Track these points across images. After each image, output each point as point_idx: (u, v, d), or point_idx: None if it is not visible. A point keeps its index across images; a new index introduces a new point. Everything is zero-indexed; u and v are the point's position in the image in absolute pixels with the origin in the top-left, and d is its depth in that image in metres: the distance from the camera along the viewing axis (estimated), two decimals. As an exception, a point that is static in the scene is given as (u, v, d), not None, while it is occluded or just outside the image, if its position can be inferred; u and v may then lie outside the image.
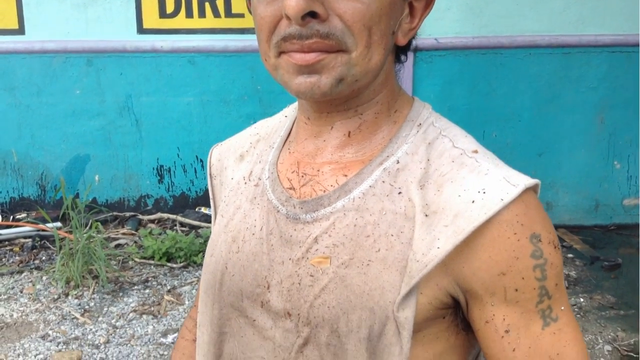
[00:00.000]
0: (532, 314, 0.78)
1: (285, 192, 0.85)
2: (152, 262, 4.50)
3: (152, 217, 5.13)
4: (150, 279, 4.30)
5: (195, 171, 5.14)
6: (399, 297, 0.76)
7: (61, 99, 4.92)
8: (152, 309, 3.89)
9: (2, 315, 3.78)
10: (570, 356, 0.79)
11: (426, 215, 0.76)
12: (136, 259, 4.53)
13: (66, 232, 4.46)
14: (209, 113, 5.00)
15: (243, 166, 0.94)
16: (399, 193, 0.79)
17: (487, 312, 0.78)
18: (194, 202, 5.22)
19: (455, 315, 0.82)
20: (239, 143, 0.99)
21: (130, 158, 5.14)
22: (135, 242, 4.79)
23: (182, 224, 5.05)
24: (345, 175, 0.82)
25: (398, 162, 0.81)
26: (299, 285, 0.80)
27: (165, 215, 5.11)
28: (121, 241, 4.81)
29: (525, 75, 4.77)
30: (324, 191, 0.82)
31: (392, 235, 0.77)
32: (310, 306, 0.79)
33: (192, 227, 4.99)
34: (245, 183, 0.91)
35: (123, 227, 5.05)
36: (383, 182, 0.80)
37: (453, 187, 0.77)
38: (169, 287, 4.16)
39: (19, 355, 3.38)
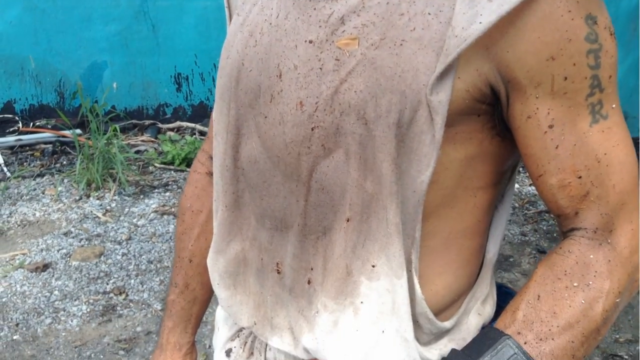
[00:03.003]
0: (581, 108, 0.72)
1: None
2: (172, 167, 4.49)
3: (171, 125, 5.09)
4: (170, 182, 4.30)
5: (213, 79, 5.05)
6: (433, 77, 0.69)
7: (76, 2, 4.81)
8: (173, 209, 3.90)
9: (25, 214, 3.82)
10: (619, 158, 0.73)
11: None
12: (156, 164, 4.53)
13: (86, 138, 4.44)
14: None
15: None
16: None
17: (530, 106, 0.72)
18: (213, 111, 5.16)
19: (492, 116, 0.76)
20: None
21: (147, 65, 5.06)
22: (155, 149, 4.77)
23: (201, 132, 5.02)
24: None
25: None
26: (320, 70, 0.74)
27: (184, 124, 5.07)
28: (141, 148, 4.80)
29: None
30: None
31: (429, 14, 0.70)
32: (334, 92, 0.73)
33: (212, 134, 4.95)
34: None
35: (142, 134, 5.03)
36: None
37: None
38: (189, 191, 4.17)
39: (41, 250, 3.42)
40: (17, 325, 2.81)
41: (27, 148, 4.73)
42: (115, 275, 3.21)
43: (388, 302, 0.77)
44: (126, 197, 4.05)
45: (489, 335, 0.73)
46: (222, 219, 0.88)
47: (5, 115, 5.01)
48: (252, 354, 0.91)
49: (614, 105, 0.73)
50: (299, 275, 0.80)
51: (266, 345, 0.89)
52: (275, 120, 0.78)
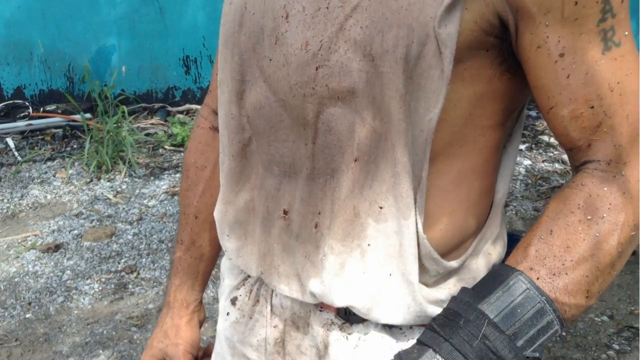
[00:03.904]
0: (592, 35, 0.69)
1: None
2: (181, 149, 4.49)
3: (180, 108, 5.08)
4: (180, 164, 4.29)
5: (223, 61, 5.03)
6: (441, 9, 0.67)
7: (84, -15, 4.80)
8: (183, 190, 3.90)
9: (37, 197, 3.83)
10: (632, 87, 0.70)
11: None
12: (166, 147, 4.53)
13: (95, 122, 4.44)
14: (235, -2, 4.84)
15: None
16: None
17: (539, 35, 0.69)
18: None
19: (500, 50, 0.74)
20: None
21: (155, 48, 5.05)
22: (165, 131, 4.77)
23: (210, 115, 5.00)
24: None
25: None
26: (327, 9, 0.72)
27: (194, 107, 5.06)
28: (150, 131, 4.79)
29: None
30: None
31: None
32: (339, 29, 0.71)
33: (221, 116, 4.94)
34: None
35: (152, 118, 5.03)
36: None
37: None
38: (199, 172, 4.16)
39: (53, 231, 3.44)
40: (29, 304, 2.83)
41: (38, 133, 4.74)
42: (127, 255, 3.21)
43: (395, 244, 0.75)
44: (137, 179, 4.05)
45: (499, 272, 0.71)
46: (230, 169, 0.86)
47: (16, 101, 5.02)
48: (257, 301, 0.89)
49: (626, 33, 0.70)
50: (306, 220, 0.79)
51: (272, 292, 0.87)
52: (279, 63, 0.76)
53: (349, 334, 0.80)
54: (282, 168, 0.80)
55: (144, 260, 3.17)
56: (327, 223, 0.77)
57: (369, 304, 0.77)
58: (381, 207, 0.74)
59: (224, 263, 0.98)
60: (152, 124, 4.91)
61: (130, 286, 2.96)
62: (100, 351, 2.52)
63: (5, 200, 3.79)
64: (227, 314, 0.93)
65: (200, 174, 1.03)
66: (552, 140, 4.63)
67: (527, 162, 4.30)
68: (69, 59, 5.01)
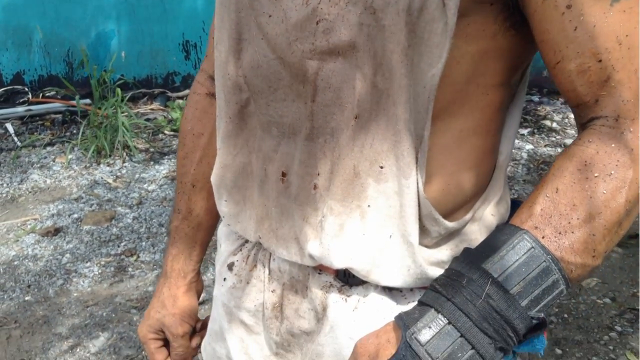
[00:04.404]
0: None
1: None
2: (181, 134, 4.46)
3: (180, 93, 5.06)
4: (180, 149, 4.27)
5: (223, 46, 4.99)
6: None
7: (82, -30, 4.77)
8: (183, 175, 3.88)
9: (36, 181, 3.82)
10: None
11: None
12: (166, 132, 4.51)
13: (96, 107, 4.42)
14: (235, -18, 4.80)
15: None
16: None
17: None
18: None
19: (505, 4, 0.71)
20: None
21: (155, 33, 5.01)
22: (165, 116, 4.75)
23: (210, 100, 4.98)
24: None
25: None
26: None
27: (194, 92, 5.03)
28: (150, 116, 4.77)
29: None
30: None
31: None
32: None
33: (221, 102, 4.92)
34: None
35: (152, 103, 5.00)
36: None
37: None
38: (199, 157, 4.14)
39: (52, 215, 3.42)
40: (28, 286, 2.82)
41: (37, 118, 4.72)
42: (127, 238, 3.20)
43: (395, 205, 0.73)
44: (136, 164, 4.03)
45: (503, 231, 0.69)
46: (227, 131, 0.84)
47: (15, 87, 4.99)
48: (255, 266, 0.87)
49: None
50: (304, 182, 0.77)
51: (270, 256, 0.85)
52: (278, 19, 0.73)
53: (348, 296, 0.78)
54: (281, 129, 0.78)
55: (143, 243, 3.15)
56: (326, 184, 0.75)
57: (369, 266, 0.75)
58: (382, 167, 0.72)
59: (221, 229, 0.96)
60: (151, 109, 4.89)
61: (130, 269, 2.94)
62: (100, 333, 2.51)
63: (5, 185, 3.77)
64: (224, 279, 0.91)
65: (197, 141, 1.01)
66: (555, 125, 4.61)
67: (529, 146, 4.27)
68: (68, 44, 4.97)
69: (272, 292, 0.85)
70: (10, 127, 4.50)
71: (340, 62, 0.71)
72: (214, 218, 1.02)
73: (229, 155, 0.85)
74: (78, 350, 2.42)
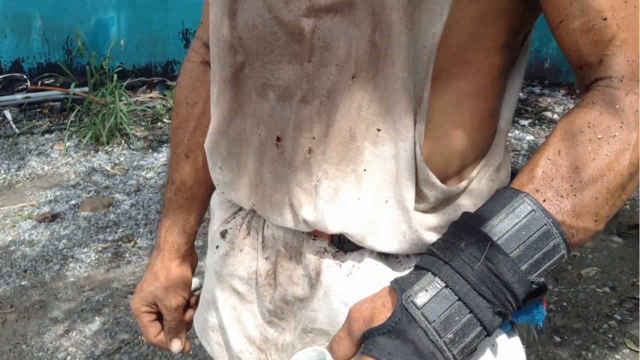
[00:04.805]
0: None
1: None
2: (180, 122, 4.44)
3: (179, 82, 5.03)
4: (179, 137, 4.25)
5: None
6: None
7: (81, -44, 4.73)
8: (182, 163, 3.86)
9: (34, 168, 3.80)
10: None
11: None
12: (165, 120, 4.48)
13: (95, 96, 4.39)
14: (235, -30, 4.77)
15: None
16: None
17: None
18: None
19: None
20: None
21: (154, 21, 4.98)
22: (163, 105, 4.72)
23: (210, 89, 4.95)
24: None
25: None
26: None
27: (193, 81, 5.01)
28: (149, 104, 4.75)
29: None
30: None
31: None
32: None
33: (221, 91, 4.89)
34: None
35: (151, 91, 4.98)
36: None
37: None
38: (198, 145, 4.12)
39: (50, 201, 3.40)
40: (25, 271, 2.80)
41: (36, 106, 4.69)
42: (124, 225, 3.18)
43: (392, 169, 0.71)
44: (135, 152, 4.01)
45: (504, 194, 0.67)
46: (222, 95, 0.82)
47: (14, 74, 4.96)
48: (248, 234, 0.86)
49: None
50: (299, 146, 0.75)
51: (264, 223, 0.83)
52: None
53: (343, 262, 0.76)
54: (276, 92, 0.76)
55: (141, 230, 3.14)
56: (321, 148, 0.73)
57: (364, 231, 0.73)
58: (379, 130, 0.70)
59: (214, 198, 0.95)
60: (150, 97, 4.86)
61: (127, 255, 2.93)
62: (96, 318, 2.50)
63: (2, 171, 3.75)
64: (217, 247, 0.89)
65: (191, 110, 0.99)
66: (555, 116, 4.59)
67: (529, 137, 4.25)
68: (67, 31, 4.94)
69: (265, 259, 0.83)
70: (8, 114, 4.48)
71: (337, 19, 0.69)
72: (209, 190, 1.00)
73: (224, 121, 0.83)
74: (74, 334, 2.41)
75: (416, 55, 0.68)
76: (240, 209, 0.88)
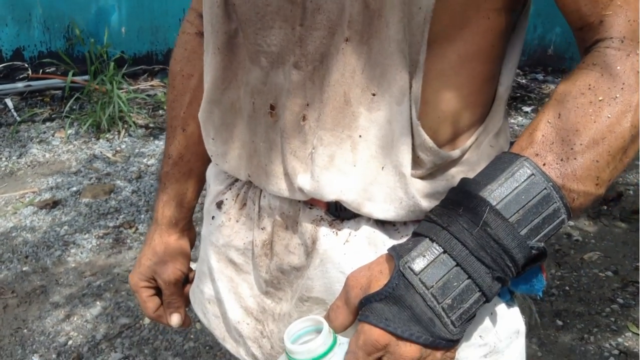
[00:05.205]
0: None
1: None
2: (182, 110, 4.43)
3: (181, 70, 5.01)
4: (180, 124, 4.24)
5: (224, 23, 4.94)
6: None
7: (82, -56, 4.71)
8: (183, 150, 3.85)
9: (35, 155, 3.79)
10: None
11: None
12: (166, 108, 4.47)
13: (90, 82, 4.38)
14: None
15: None
16: None
17: None
18: None
19: None
20: None
21: (155, 9, 4.96)
22: (165, 93, 4.71)
23: (211, 77, 4.93)
24: None
25: None
26: None
27: (195, 68, 4.99)
28: (150, 92, 4.73)
29: None
30: None
31: None
32: None
33: (222, 79, 4.87)
34: None
35: (152, 79, 4.96)
36: None
37: None
38: (199, 132, 4.11)
39: (51, 188, 3.40)
40: (26, 257, 2.80)
41: (37, 94, 4.68)
42: (126, 211, 3.17)
43: (388, 134, 0.70)
44: (136, 139, 4.00)
45: (503, 159, 0.66)
46: (215, 63, 0.80)
47: (15, 63, 4.95)
48: (244, 205, 0.85)
49: None
50: (293, 114, 0.73)
51: (260, 194, 0.82)
52: None
53: (339, 230, 0.75)
54: (269, 58, 0.74)
55: (142, 216, 3.13)
56: (315, 115, 0.72)
57: (360, 199, 0.72)
58: (374, 94, 0.69)
59: (210, 169, 0.93)
60: (151, 85, 4.85)
61: (128, 241, 2.92)
62: (97, 302, 2.50)
63: (4, 159, 3.74)
64: (212, 217, 0.88)
65: (187, 83, 0.97)
66: (558, 102, 4.56)
67: (532, 123, 4.23)
68: (68, 19, 4.92)
69: (262, 229, 0.82)
70: (9, 103, 4.47)
71: None
72: (206, 163, 0.99)
73: (217, 90, 0.81)
74: (75, 318, 2.41)
75: (411, 17, 0.66)
76: (236, 180, 0.87)
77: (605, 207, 3.17)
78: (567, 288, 2.58)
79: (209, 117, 0.84)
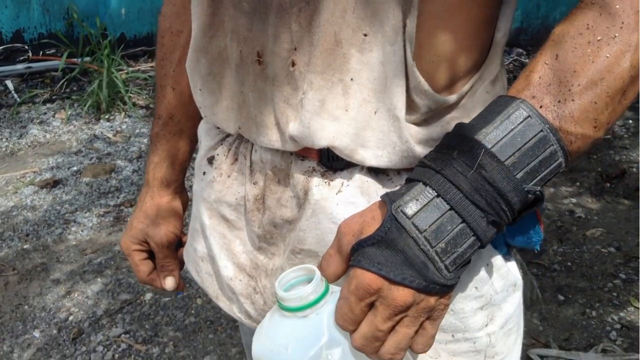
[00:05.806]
0: None
1: None
2: (182, 90, 4.41)
3: (181, 51, 4.98)
4: (181, 105, 4.22)
5: (224, 3, 4.90)
6: None
7: None
8: (184, 130, 3.84)
9: (36, 136, 3.78)
10: None
11: None
12: (167, 88, 4.44)
13: (94, 64, 4.35)
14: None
15: None
16: None
17: None
18: None
19: None
20: None
21: (156, -11, 4.93)
22: (166, 74, 4.68)
23: (212, 58, 4.91)
24: None
25: None
26: None
27: (195, 49, 4.96)
28: (151, 73, 4.70)
29: None
30: None
31: None
32: None
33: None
34: None
35: (153, 61, 4.94)
36: None
37: None
38: (200, 113, 4.09)
39: (52, 168, 3.39)
40: (27, 235, 2.79)
41: (37, 76, 4.66)
42: (126, 190, 3.17)
43: (381, 77, 0.67)
44: (136, 120, 3.99)
45: (498, 102, 0.64)
46: (202, 9, 0.78)
47: (15, 45, 4.93)
48: (236, 159, 0.83)
49: None
50: (281, 60, 0.71)
51: (252, 148, 0.81)
52: None
53: (331, 180, 0.73)
54: (251, 3, 0.72)
55: (143, 195, 3.12)
56: (305, 59, 0.69)
57: (352, 145, 0.70)
58: (365, 35, 0.66)
59: (201, 126, 0.92)
60: (152, 66, 4.82)
61: (128, 219, 2.91)
62: (98, 279, 2.49)
63: (4, 140, 3.74)
64: (204, 173, 0.86)
65: (176, 39, 0.95)
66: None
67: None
68: (68, 1, 4.89)
69: (253, 184, 0.80)
70: (10, 84, 4.45)
71: None
72: (197, 122, 0.97)
73: (204, 38, 0.79)
74: (76, 295, 2.40)
75: None
76: (228, 135, 0.85)
77: (608, 185, 3.15)
78: (569, 264, 2.57)
79: (195, 66, 0.82)
